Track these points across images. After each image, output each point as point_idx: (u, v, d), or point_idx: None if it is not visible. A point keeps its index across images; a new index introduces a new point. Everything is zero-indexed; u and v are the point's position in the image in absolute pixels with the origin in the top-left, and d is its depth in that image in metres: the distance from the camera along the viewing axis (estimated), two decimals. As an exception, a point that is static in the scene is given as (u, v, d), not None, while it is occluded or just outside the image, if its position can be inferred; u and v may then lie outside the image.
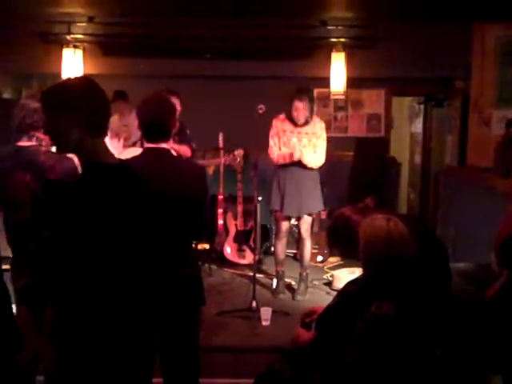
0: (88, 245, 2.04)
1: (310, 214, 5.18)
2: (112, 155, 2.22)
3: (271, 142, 5.10)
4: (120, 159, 2.29)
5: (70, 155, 2.89)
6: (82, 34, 6.50)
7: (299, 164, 5.00)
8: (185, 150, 5.11)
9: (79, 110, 2.08)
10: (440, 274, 3.02)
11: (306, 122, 5.05)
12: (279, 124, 5.08)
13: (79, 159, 2.17)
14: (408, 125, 8.84)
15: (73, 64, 6.31)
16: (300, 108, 4.96)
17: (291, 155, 4.94)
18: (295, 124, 5.04)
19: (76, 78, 2.30)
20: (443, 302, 2.86)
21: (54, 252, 2.10)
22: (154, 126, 2.75)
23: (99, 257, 2.07)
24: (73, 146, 2.15)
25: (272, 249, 6.35)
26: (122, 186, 2.16)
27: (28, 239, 2.89)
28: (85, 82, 2.18)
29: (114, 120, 5.08)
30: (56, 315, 2.17)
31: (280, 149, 5.05)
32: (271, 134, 5.11)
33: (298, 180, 5.06)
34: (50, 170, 2.82)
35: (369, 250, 2.62)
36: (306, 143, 5.00)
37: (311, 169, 5.04)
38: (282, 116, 5.10)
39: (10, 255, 3.02)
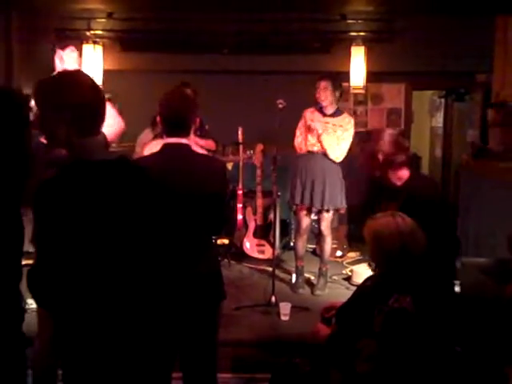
0: (71, 243, 1.94)
1: (329, 210, 5.13)
2: (108, 153, 2.13)
3: (297, 133, 5.12)
4: (121, 156, 2.14)
5: None
6: (102, 30, 6.54)
7: (322, 155, 4.99)
8: (209, 144, 5.17)
9: (66, 106, 1.97)
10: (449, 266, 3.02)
11: (335, 113, 5.03)
12: (308, 114, 5.07)
13: (68, 156, 2.06)
14: (428, 119, 8.77)
15: (92, 60, 6.36)
16: (322, 87, 4.94)
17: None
18: (324, 114, 5.02)
19: (69, 72, 2.22)
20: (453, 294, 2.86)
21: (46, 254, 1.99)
22: (176, 121, 2.75)
23: (91, 255, 1.97)
24: (60, 142, 2.05)
25: (291, 244, 6.35)
26: (111, 182, 2.04)
27: None
28: (76, 77, 2.08)
29: None
30: (56, 324, 2.06)
31: (306, 139, 5.06)
32: (299, 124, 5.13)
33: (321, 171, 5.02)
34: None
35: (383, 247, 2.62)
36: (330, 132, 4.98)
37: (333, 161, 5.00)
38: (312, 108, 5.11)
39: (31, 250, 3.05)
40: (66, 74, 2.17)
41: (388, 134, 3.15)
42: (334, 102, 5.02)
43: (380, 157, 3.10)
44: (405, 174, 3.16)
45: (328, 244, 5.22)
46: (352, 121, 5.10)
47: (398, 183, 3.14)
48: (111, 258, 2.00)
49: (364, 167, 3.24)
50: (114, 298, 2.01)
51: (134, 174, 2.13)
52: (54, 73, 2.18)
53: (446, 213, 3.03)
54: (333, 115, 5.03)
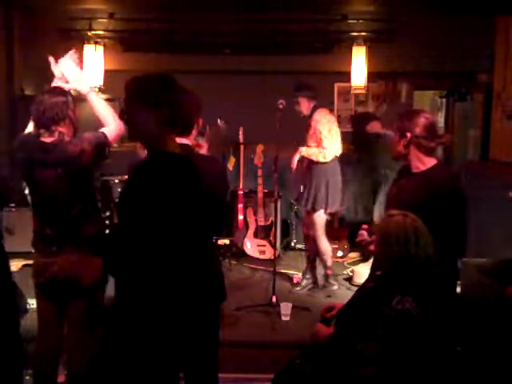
0: (143, 227, 2.13)
1: (314, 210, 5.08)
2: (182, 150, 2.31)
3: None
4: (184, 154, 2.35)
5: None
6: (103, 31, 6.55)
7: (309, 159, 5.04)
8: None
9: (156, 105, 2.17)
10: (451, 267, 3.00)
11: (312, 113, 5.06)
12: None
13: (147, 149, 2.28)
14: (430, 119, 8.74)
15: (94, 60, 6.36)
16: (301, 101, 5.06)
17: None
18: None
19: (158, 74, 2.33)
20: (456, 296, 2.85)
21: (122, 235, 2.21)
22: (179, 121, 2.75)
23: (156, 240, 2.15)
24: (144, 137, 2.27)
25: (292, 244, 6.36)
26: (183, 176, 2.24)
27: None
28: (166, 79, 2.26)
29: None
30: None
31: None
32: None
33: (311, 175, 5.05)
34: (82, 154, 2.85)
35: (386, 247, 2.61)
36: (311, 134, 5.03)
37: (318, 163, 4.98)
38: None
39: (32, 251, 3.05)
40: (156, 75, 2.31)
41: (423, 117, 3.08)
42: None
43: (408, 135, 3.06)
44: (430, 161, 3.06)
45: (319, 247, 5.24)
46: (317, 117, 5.01)
47: (422, 168, 3.06)
48: (175, 236, 2.21)
49: (391, 144, 3.16)
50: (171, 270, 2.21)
51: (193, 172, 2.33)
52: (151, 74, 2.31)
53: (463, 209, 2.97)
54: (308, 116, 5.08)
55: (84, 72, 3.23)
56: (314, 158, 4.95)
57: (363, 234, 3.08)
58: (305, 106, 5.04)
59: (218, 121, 5.39)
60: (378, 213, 5.66)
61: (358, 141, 6.34)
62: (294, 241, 6.57)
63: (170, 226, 2.18)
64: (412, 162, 3.06)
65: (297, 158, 5.05)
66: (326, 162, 4.96)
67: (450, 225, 2.87)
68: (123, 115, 2.30)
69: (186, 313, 2.67)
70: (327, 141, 4.91)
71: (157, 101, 2.19)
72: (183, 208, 2.21)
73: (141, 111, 2.20)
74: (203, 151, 5.03)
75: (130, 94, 2.24)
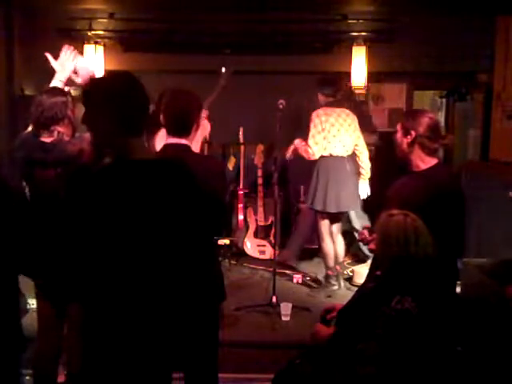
0: (104, 236, 2.00)
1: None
2: (150, 153, 2.23)
3: None
4: (163, 157, 2.28)
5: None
6: (103, 31, 6.53)
7: None
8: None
9: (114, 106, 2.05)
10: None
11: None
12: None
13: (112, 155, 2.12)
14: (430, 119, 8.73)
15: (94, 60, 6.36)
16: None
17: None
18: None
19: (117, 73, 2.27)
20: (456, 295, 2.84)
21: (73, 244, 2.07)
22: (180, 120, 2.75)
23: (116, 249, 2.03)
24: (107, 141, 2.12)
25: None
26: (149, 181, 2.09)
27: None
28: (124, 78, 2.15)
29: None
30: (84, 311, 2.13)
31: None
32: None
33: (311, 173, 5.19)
34: (82, 153, 2.84)
35: (386, 247, 2.61)
36: None
37: (314, 161, 5.09)
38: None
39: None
40: (114, 74, 2.24)
41: (428, 117, 3.10)
42: None
43: (413, 134, 3.06)
44: (431, 160, 3.09)
45: (342, 243, 5.29)
46: (313, 116, 5.10)
47: (422, 167, 3.08)
48: (136, 255, 2.04)
49: (394, 142, 3.19)
50: (138, 293, 2.05)
51: (174, 174, 2.17)
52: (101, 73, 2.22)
53: (462, 208, 2.98)
54: None
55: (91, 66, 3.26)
56: (300, 152, 5.04)
57: (364, 233, 3.10)
58: (322, 101, 5.13)
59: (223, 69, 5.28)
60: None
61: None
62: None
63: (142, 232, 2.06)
64: (413, 161, 3.08)
65: (292, 148, 5.11)
66: (318, 161, 5.02)
67: (449, 224, 2.88)
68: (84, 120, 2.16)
69: (186, 313, 2.67)
70: (313, 140, 4.96)
71: (111, 102, 2.07)
72: (161, 212, 2.09)
73: (98, 115, 2.09)
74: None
75: (88, 97, 2.13)
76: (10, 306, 2.25)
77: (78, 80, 3.06)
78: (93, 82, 2.17)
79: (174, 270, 2.14)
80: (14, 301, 2.29)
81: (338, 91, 5.24)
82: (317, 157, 5.00)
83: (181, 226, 2.14)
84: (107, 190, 2.02)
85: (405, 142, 3.08)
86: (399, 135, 3.12)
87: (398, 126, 3.15)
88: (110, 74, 2.26)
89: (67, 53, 3.08)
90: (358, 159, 5.20)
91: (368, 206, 5.54)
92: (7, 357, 2.21)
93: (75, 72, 3.07)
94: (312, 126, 4.99)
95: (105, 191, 2.02)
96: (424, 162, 3.06)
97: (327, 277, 5.22)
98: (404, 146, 3.09)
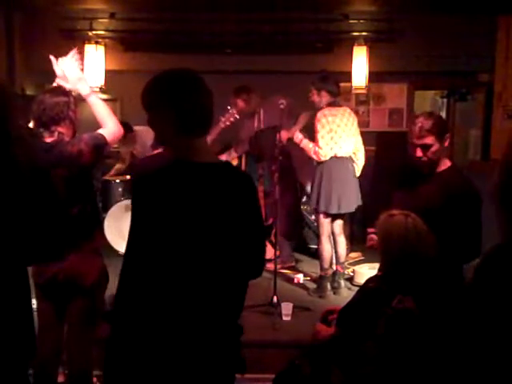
0: (159, 241, 1.96)
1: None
2: (212, 155, 2.12)
3: None
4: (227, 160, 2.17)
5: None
6: (104, 30, 6.54)
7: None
8: None
9: (172, 106, 1.99)
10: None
11: None
12: None
13: (172, 156, 2.05)
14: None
15: (95, 60, 6.36)
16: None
17: None
18: None
19: (177, 71, 2.11)
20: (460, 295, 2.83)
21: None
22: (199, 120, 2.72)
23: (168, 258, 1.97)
24: (166, 141, 2.08)
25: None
26: (207, 185, 2.00)
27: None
28: (184, 77, 2.06)
29: None
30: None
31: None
32: None
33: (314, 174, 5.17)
34: (81, 154, 2.84)
35: (386, 247, 2.61)
36: None
37: (318, 162, 5.06)
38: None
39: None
40: (177, 72, 2.09)
41: (439, 118, 3.13)
42: None
43: (447, 137, 3.05)
44: (444, 163, 3.11)
45: (344, 243, 5.26)
46: (325, 114, 5.02)
47: (440, 168, 3.09)
48: (195, 259, 1.97)
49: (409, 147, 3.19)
50: (190, 299, 1.99)
51: (235, 180, 2.08)
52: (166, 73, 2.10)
53: (478, 210, 2.98)
54: None
55: (85, 73, 3.21)
56: (308, 152, 4.99)
57: (373, 238, 3.05)
58: (326, 99, 4.99)
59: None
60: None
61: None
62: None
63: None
64: (424, 164, 3.07)
65: (290, 135, 5.08)
66: (322, 162, 4.97)
67: (468, 226, 2.89)
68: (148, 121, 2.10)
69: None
70: (324, 141, 4.88)
71: (167, 101, 2.01)
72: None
73: (156, 115, 2.04)
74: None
75: (146, 97, 2.07)
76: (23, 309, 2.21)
77: (68, 86, 3.03)
78: (152, 81, 2.08)
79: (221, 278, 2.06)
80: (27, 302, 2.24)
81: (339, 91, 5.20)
82: (328, 158, 4.92)
83: (233, 239, 2.02)
84: (160, 193, 1.98)
85: (443, 147, 3.07)
86: (436, 143, 3.04)
87: (430, 140, 3.05)
88: (170, 72, 2.09)
89: (72, 59, 3.05)
90: (354, 156, 5.15)
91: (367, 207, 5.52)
92: (18, 363, 2.17)
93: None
94: (320, 126, 4.88)
95: (158, 194, 1.98)
96: (442, 163, 3.09)
97: (321, 278, 5.16)
98: (442, 151, 3.08)
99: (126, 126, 5.74)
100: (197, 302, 2.01)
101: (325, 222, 5.06)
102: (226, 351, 2.22)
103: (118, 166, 6.65)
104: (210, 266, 2.00)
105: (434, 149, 3.02)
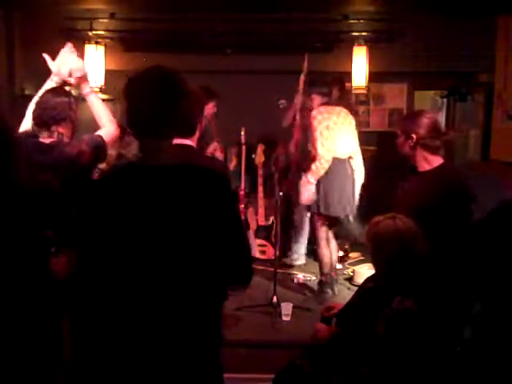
0: (111, 247, 1.87)
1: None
2: (179, 157, 1.99)
3: None
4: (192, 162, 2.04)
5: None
6: (104, 30, 6.54)
7: None
8: None
9: (132, 106, 1.92)
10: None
11: None
12: None
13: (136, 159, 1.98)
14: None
15: (95, 60, 6.36)
16: None
17: None
18: None
19: (146, 69, 2.02)
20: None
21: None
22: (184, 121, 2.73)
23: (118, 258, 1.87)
24: (138, 143, 1.96)
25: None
26: (162, 189, 1.87)
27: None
28: (147, 75, 1.98)
29: None
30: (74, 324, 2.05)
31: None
32: None
33: None
34: (80, 155, 2.84)
35: (384, 252, 2.60)
36: None
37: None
38: None
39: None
40: (144, 71, 2.00)
41: (426, 117, 3.11)
42: None
43: (414, 137, 3.07)
44: (436, 160, 3.10)
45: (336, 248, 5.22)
46: (321, 112, 4.97)
47: (427, 167, 3.09)
48: (148, 263, 1.85)
49: (397, 146, 3.19)
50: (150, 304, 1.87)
51: (197, 183, 1.91)
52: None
53: (467, 209, 2.97)
54: None
55: (86, 67, 3.21)
56: (319, 172, 4.84)
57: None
58: (318, 101, 4.97)
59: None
60: None
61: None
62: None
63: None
64: (418, 162, 3.09)
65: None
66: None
67: (458, 224, 2.89)
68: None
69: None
70: (322, 138, 4.77)
71: (130, 102, 1.94)
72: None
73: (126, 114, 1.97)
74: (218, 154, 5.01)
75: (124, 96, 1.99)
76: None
77: (72, 80, 3.03)
78: (129, 78, 1.98)
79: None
80: None
81: (332, 91, 5.15)
82: (330, 159, 4.80)
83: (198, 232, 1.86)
84: (107, 198, 1.89)
85: (407, 145, 3.09)
86: (401, 140, 3.12)
87: (399, 131, 3.16)
88: (141, 71, 1.98)
89: (67, 53, 3.06)
90: (351, 160, 5.05)
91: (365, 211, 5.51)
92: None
93: (70, 74, 3.05)
94: (316, 123, 4.80)
95: (104, 198, 1.89)
96: (428, 161, 3.07)
97: (321, 283, 5.11)
98: (406, 149, 3.10)
99: (125, 128, 5.70)
100: (158, 311, 1.87)
101: (324, 226, 5.04)
102: (197, 360, 1.95)
103: (102, 166, 6.60)
104: (171, 273, 1.85)
105: (398, 140, 3.13)
